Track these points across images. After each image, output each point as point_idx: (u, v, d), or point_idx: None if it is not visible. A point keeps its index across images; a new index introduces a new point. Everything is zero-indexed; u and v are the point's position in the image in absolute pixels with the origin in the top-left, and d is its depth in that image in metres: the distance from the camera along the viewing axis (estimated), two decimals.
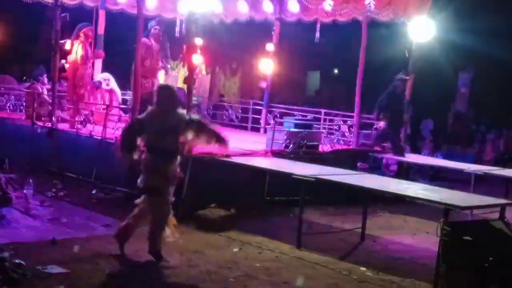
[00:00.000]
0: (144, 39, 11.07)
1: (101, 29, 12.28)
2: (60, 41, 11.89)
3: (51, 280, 6.18)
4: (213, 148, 7.74)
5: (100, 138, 10.76)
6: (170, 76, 16.34)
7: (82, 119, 11.51)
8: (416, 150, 16.77)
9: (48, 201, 9.66)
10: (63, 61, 12.13)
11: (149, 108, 7.27)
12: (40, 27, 17.32)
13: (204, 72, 17.97)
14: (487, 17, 18.23)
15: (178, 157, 7.22)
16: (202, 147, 7.97)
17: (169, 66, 18.29)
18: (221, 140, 7.32)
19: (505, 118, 19.65)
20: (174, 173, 7.19)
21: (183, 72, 17.36)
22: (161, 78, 12.81)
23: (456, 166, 11.97)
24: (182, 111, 7.32)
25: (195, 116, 7.58)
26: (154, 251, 7.11)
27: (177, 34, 14.11)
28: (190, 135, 7.19)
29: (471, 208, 7.91)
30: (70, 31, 12.36)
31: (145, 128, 7.11)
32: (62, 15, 11.97)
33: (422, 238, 9.16)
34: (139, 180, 7.21)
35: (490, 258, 6.85)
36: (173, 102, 7.22)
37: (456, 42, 17.18)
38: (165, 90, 7.41)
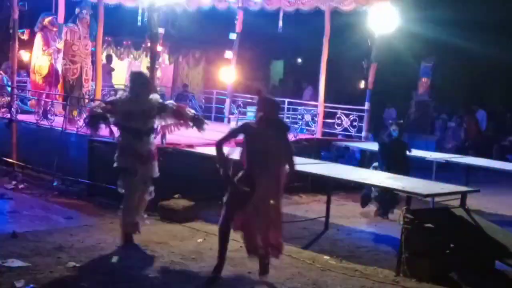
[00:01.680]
0: (70, 26, 11.39)
1: (60, 19, 12.05)
2: (19, 31, 11.69)
3: (11, 274, 6.08)
4: (191, 130, 7.73)
5: (61, 129, 10.60)
6: (132, 65, 16.23)
7: (42, 110, 11.33)
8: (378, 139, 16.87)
9: (8, 194, 9.50)
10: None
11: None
12: None
13: (167, 62, 17.89)
14: (448, 7, 18.45)
15: (152, 137, 7.39)
16: (172, 133, 7.93)
17: (131, 55, 18.32)
18: (197, 121, 7.55)
19: (465, 106, 19.96)
20: (148, 152, 7.22)
21: (145, 62, 17.25)
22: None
23: (418, 154, 12.09)
24: (155, 96, 7.44)
25: (168, 101, 7.71)
26: (121, 233, 7.24)
27: (139, 23, 13.95)
28: (165, 120, 7.41)
29: (433, 195, 8.00)
30: (28, 20, 12.14)
31: (117, 107, 7.20)
32: (20, 3, 11.76)
33: (385, 226, 9.26)
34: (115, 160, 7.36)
35: (451, 245, 6.95)
36: (146, 88, 7.31)
37: (418, 32, 17.32)
38: (138, 76, 7.50)
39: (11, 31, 11.47)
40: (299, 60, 24.77)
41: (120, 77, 18.38)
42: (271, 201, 6.13)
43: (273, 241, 6.32)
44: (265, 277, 6.43)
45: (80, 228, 8.06)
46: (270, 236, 6.27)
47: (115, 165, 7.34)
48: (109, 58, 16.95)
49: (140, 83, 7.32)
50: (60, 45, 11.42)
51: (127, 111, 7.16)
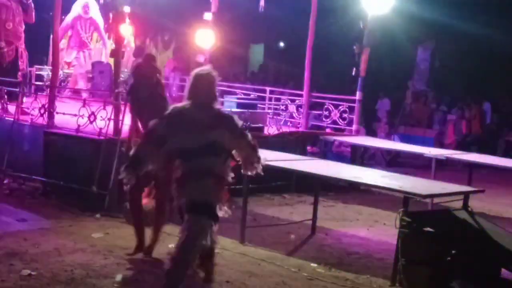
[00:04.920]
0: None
1: None
2: None
3: None
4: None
5: (12, 120, 10.52)
6: (94, 49, 16.13)
7: None
8: (371, 133, 17.01)
9: None
10: None
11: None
12: None
13: (132, 45, 17.79)
14: None
15: None
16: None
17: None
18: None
19: (467, 97, 20.11)
20: None
21: (109, 44, 17.15)
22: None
23: (416, 150, 12.19)
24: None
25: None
26: None
27: (101, 1, 13.90)
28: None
29: (432, 196, 8.06)
30: None
31: None
32: None
33: (379, 230, 9.32)
34: None
35: (453, 251, 7.00)
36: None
37: (415, 13, 17.42)
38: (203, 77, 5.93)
39: None
40: (281, 44, 24.80)
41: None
42: None
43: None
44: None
45: (35, 231, 7.98)
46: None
47: None
48: None
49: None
50: None
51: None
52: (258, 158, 6.04)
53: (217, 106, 5.91)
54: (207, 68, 6.04)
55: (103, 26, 14.52)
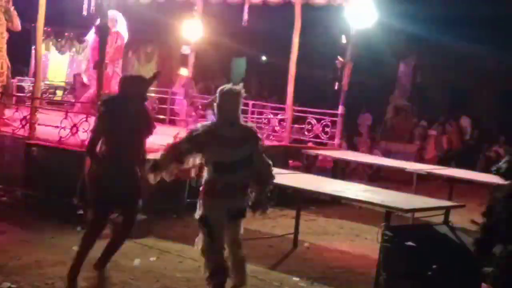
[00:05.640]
0: None
1: None
2: None
3: None
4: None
5: None
6: (75, 60, 16.11)
7: None
8: (352, 147, 17.07)
9: None
10: None
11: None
12: None
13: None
14: (431, 1, 18.73)
15: None
16: None
17: (74, 49, 18.19)
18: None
19: (448, 112, 20.27)
20: None
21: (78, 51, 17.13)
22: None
23: (397, 165, 12.25)
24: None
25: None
26: None
27: (84, 12, 13.85)
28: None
29: (415, 210, 8.10)
30: None
31: None
32: None
33: (361, 244, 9.35)
34: None
35: (434, 266, 7.04)
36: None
37: (398, 28, 17.56)
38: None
39: None
40: (264, 58, 24.88)
41: (60, 74, 18.25)
42: None
43: None
44: None
45: (16, 243, 7.94)
46: None
47: None
48: None
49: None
50: None
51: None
52: (272, 176, 6.55)
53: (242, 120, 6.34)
54: (234, 86, 6.28)
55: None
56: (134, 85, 6.69)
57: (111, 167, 6.49)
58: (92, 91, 11.35)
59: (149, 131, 6.80)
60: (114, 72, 11.96)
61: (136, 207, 6.80)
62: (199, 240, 6.29)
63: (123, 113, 6.50)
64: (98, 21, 9.99)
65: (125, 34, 12.95)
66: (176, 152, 6.18)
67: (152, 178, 6.26)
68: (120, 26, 12.85)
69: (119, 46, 12.44)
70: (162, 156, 6.24)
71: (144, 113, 6.79)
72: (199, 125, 6.29)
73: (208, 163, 6.13)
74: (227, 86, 6.29)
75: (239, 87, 6.29)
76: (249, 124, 6.65)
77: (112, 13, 12.22)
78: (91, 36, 12.08)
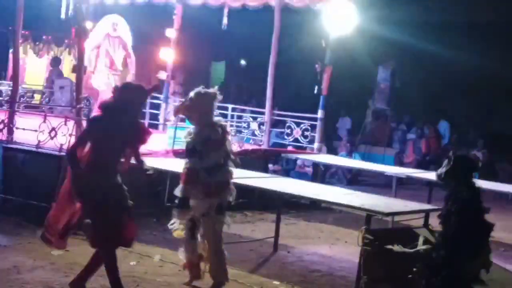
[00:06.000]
0: None
1: None
2: None
3: None
4: None
5: None
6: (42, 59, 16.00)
7: None
8: (332, 151, 17.10)
9: None
10: None
11: None
12: None
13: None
14: (410, 7, 18.84)
15: None
16: None
17: (52, 52, 18.07)
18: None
19: (426, 117, 20.38)
20: None
21: (68, 59, 17.06)
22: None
23: (377, 168, 12.30)
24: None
25: None
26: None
27: (62, 16, 13.79)
28: None
29: (395, 214, 8.13)
30: None
31: None
32: None
33: (341, 248, 9.37)
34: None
35: (414, 269, 7.07)
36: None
37: (377, 33, 17.63)
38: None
39: None
40: (243, 62, 24.88)
41: (38, 77, 18.09)
42: None
43: None
44: None
45: None
46: None
47: None
48: (56, 60, 16.80)
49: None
50: None
51: None
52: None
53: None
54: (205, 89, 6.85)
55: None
56: (134, 94, 6.45)
57: (95, 175, 6.23)
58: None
59: (143, 140, 6.60)
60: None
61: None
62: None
63: (118, 121, 6.28)
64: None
65: (128, 39, 12.86)
66: (196, 176, 6.76)
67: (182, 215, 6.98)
68: (122, 31, 12.75)
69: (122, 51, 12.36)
70: (187, 189, 6.85)
71: (138, 124, 6.62)
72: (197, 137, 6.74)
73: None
74: (202, 89, 6.51)
75: (214, 89, 6.52)
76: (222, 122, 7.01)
77: (114, 18, 12.13)
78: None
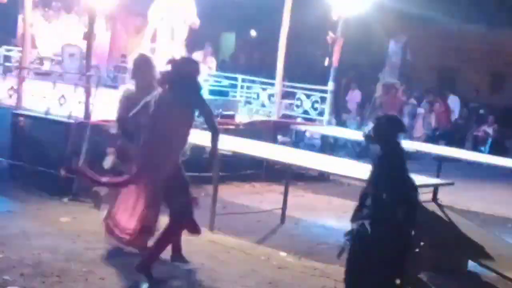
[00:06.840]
0: None
1: None
2: None
3: None
4: None
5: None
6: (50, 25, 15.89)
7: None
8: (341, 124, 17.07)
9: None
10: None
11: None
12: None
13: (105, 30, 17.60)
14: None
15: None
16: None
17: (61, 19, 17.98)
18: None
19: (437, 91, 20.28)
20: None
21: (76, 27, 16.94)
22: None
23: None
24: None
25: None
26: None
27: None
28: None
29: None
30: None
31: None
32: None
33: (348, 221, 9.33)
34: None
35: (422, 243, 7.07)
36: None
37: (389, 5, 17.47)
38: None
39: None
40: (253, 33, 24.76)
41: (48, 44, 18.03)
42: None
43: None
44: None
45: (2, 214, 7.93)
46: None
47: None
48: None
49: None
50: None
51: None
52: None
53: None
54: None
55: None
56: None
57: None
58: None
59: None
60: None
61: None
62: None
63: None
64: None
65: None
66: None
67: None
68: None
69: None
70: None
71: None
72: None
73: None
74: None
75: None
76: None
77: None
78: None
